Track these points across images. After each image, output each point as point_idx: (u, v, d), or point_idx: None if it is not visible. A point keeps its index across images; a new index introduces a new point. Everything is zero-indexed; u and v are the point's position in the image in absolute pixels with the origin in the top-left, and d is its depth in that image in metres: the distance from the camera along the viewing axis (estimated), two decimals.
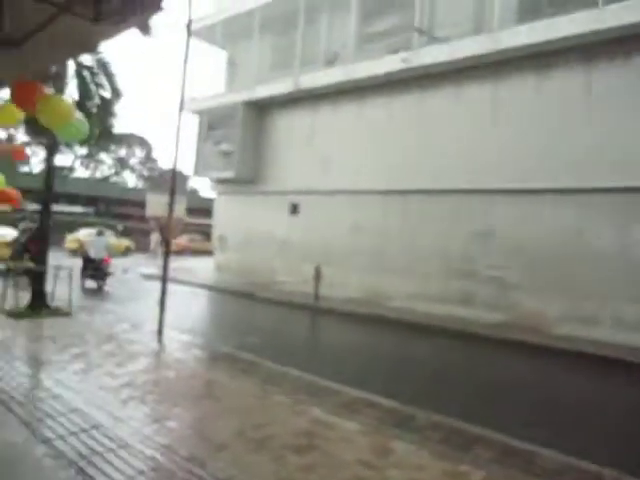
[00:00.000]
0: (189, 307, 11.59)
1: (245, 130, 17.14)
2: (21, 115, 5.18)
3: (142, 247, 28.01)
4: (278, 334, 9.21)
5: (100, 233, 14.33)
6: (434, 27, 12.87)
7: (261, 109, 17.40)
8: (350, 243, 14.21)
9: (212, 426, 3.97)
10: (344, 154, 14.64)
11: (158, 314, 7.33)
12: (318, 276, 12.80)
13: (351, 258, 14.09)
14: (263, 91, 16.57)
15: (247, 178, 17.31)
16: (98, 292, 12.36)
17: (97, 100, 8.72)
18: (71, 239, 24.36)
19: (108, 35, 3.58)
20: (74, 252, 21.76)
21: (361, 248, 13.91)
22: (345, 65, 14.29)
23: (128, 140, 46.25)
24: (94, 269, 12.76)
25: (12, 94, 4.60)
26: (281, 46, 17.00)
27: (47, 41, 3.86)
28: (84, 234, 23.40)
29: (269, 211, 16.89)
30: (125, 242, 28.06)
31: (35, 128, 8.44)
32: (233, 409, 4.40)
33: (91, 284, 12.78)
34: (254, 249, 17.24)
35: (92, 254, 12.82)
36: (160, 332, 7.20)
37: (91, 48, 5.49)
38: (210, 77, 18.94)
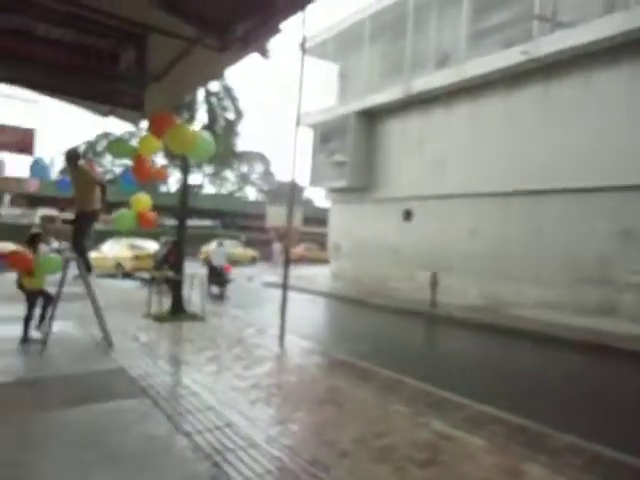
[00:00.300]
0: (307, 314, 11.99)
1: (357, 139, 17.38)
2: (160, 144, 5.80)
3: (263, 256, 29.80)
4: (394, 342, 9.10)
5: (220, 244, 15.60)
6: (556, 13, 11.84)
7: (372, 118, 17.51)
8: (467, 248, 13.58)
9: (334, 432, 4.04)
10: (458, 157, 14.09)
11: (279, 320, 7.69)
12: (434, 283, 12.42)
13: (468, 264, 13.45)
14: (373, 100, 16.68)
15: (360, 186, 17.50)
16: (221, 297, 13.44)
17: (222, 122, 9.51)
18: (205, 250, 26.90)
19: (233, 62, 3.89)
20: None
21: (479, 253, 13.21)
22: (457, 65, 13.80)
23: (249, 157, 49.59)
24: (217, 276, 13.98)
25: (150, 125, 5.15)
26: (390, 53, 16.98)
27: (181, 73, 4.32)
28: (209, 247, 25.77)
29: (382, 218, 16.87)
30: (251, 252, 30.15)
31: (171, 152, 9.48)
32: (353, 416, 4.43)
33: (215, 290, 13.95)
34: (368, 256, 17.32)
35: (214, 263, 14.11)
36: (282, 337, 7.54)
37: (218, 76, 6.02)
38: (322, 91, 19.55)
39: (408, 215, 15.93)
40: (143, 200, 6.92)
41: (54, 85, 3.47)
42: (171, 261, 11.63)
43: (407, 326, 11.08)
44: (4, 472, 3.11)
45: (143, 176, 6.18)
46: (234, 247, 29.97)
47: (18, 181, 12.55)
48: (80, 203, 6.42)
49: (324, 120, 18.74)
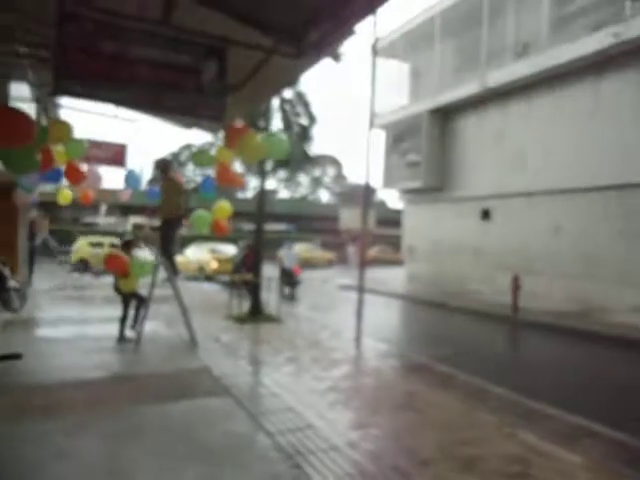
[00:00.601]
0: (383, 316, 11.86)
1: (431, 138, 16.97)
2: (232, 154, 5.98)
3: (338, 259, 30.01)
4: (474, 346, 8.73)
5: (290, 247, 15.91)
6: None
7: (446, 115, 17.01)
8: (553, 248, 12.72)
9: (414, 438, 3.95)
10: (541, 151, 13.26)
11: (355, 323, 7.68)
12: (516, 285, 11.76)
13: (554, 265, 12.60)
14: (447, 96, 16.20)
15: (435, 186, 17.05)
16: (291, 297, 13.71)
17: (296, 128, 9.71)
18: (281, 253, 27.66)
19: (307, 67, 3.95)
20: None
21: (566, 253, 12.32)
22: (538, 54, 13.00)
23: (321, 161, 50.18)
24: (288, 277, 14.30)
25: (225, 137, 5.31)
26: (464, 47, 16.39)
27: (258, 83, 4.46)
28: (297, 249, 26.53)
29: (459, 218, 16.31)
30: (328, 255, 30.45)
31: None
32: (435, 423, 4.30)
33: (287, 290, 14.27)
34: (444, 258, 16.81)
35: (285, 265, 14.46)
36: (358, 340, 7.52)
37: (293, 82, 6.16)
38: (393, 91, 19.31)
39: (486, 214, 15.26)
40: (225, 208, 7.21)
41: (146, 103, 3.74)
42: (248, 264, 12.05)
43: (488, 330, 10.60)
44: (103, 463, 3.37)
45: (225, 183, 6.46)
46: (311, 250, 30.45)
47: (113, 192, 13.62)
48: (166, 210, 6.86)
49: (396, 120, 18.48)
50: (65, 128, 5.30)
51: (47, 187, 10.35)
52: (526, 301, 11.74)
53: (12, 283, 8.79)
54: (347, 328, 8.41)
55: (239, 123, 5.23)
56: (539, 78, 13.25)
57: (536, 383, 6.36)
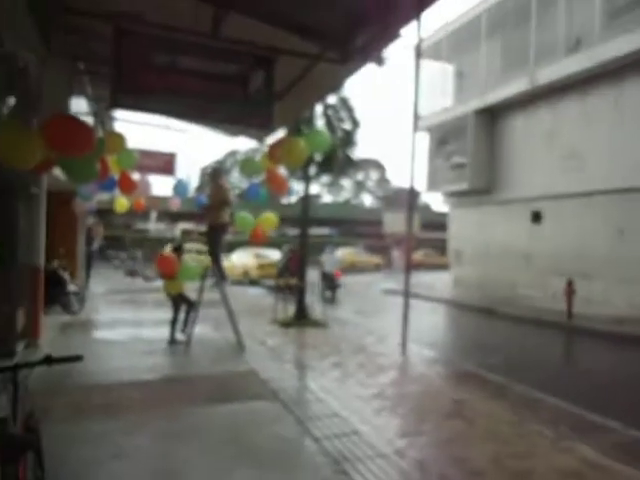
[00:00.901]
0: (428, 322, 11.64)
1: (477, 139, 16.57)
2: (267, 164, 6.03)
3: (382, 263, 29.71)
4: (526, 354, 8.40)
5: (331, 251, 15.90)
6: None
7: (493, 115, 16.57)
8: (611, 251, 12.09)
9: (463, 448, 3.84)
10: (596, 149, 12.66)
11: (401, 328, 7.58)
12: (570, 290, 11.24)
13: (613, 269, 11.96)
14: (495, 96, 15.77)
15: (482, 188, 16.62)
16: (332, 300, 13.71)
17: (340, 133, 9.74)
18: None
19: (352, 72, 3.96)
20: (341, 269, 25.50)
21: (627, 257, 11.67)
22: (592, 48, 12.44)
23: (364, 164, 50.00)
24: (328, 281, 14.32)
25: (269, 152, 5.32)
26: (511, 45, 15.90)
27: (303, 89, 4.51)
28: (343, 253, 26.91)
29: (507, 221, 15.81)
30: (375, 259, 30.06)
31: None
32: (485, 433, 4.18)
33: (327, 294, 14.28)
34: (492, 262, 16.33)
35: (326, 269, 14.51)
36: (404, 346, 7.42)
37: (338, 88, 6.18)
38: (436, 93, 19.01)
39: (537, 216, 14.70)
40: (271, 219, 7.33)
41: (196, 113, 3.88)
42: (292, 269, 12.16)
43: (541, 338, 10.18)
44: (156, 463, 3.48)
45: (276, 188, 6.56)
46: (358, 254, 30.32)
47: (162, 199, 14.12)
48: (213, 216, 7.05)
49: (440, 122, 18.17)
50: (119, 140, 5.57)
51: (103, 195, 10.89)
52: (581, 307, 11.21)
53: (71, 287, 9.33)
54: (392, 333, 8.32)
55: (280, 135, 5.27)
56: (595, 73, 12.67)
57: (593, 393, 6.04)
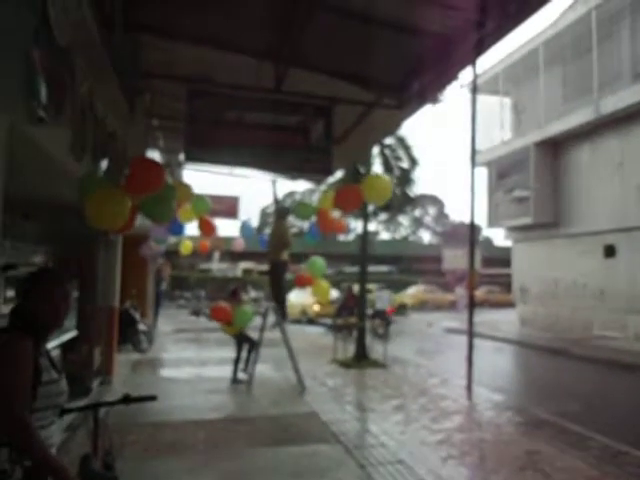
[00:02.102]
0: (494, 363, 11.07)
1: (539, 172, 16.05)
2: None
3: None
4: (607, 401, 7.73)
5: (382, 289, 15.67)
6: None
7: (555, 147, 16.05)
8: None
9: None
10: None
11: (465, 369, 7.28)
12: None
13: None
14: (556, 127, 15.32)
15: (547, 222, 15.93)
16: (384, 337, 13.36)
17: (397, 172, 9.81)
18: (407, 294, 27.49)
19: (409, 115, 4.05)
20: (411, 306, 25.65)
21: None
22: None
23: (422, 200, 49.50)
24: (381, 317, 14.04)
25: (336, 198, 5.34)
26: (572, 75, 15.52)
27: (360, 134, 4.64)
28: (413, 292, 27.31)
29: (577, 255, 14.94)
30: (450, 296, 28.10)
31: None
32: None
33: (380, 330, 13.92)
34: (562, 299, 15.40)
35: (378, 306, 14.26)
36: (469, 389, 7.10)
37: (394, 131, 6.29)
38: (494, 127, 18.76)
39: (611, 250, 13.80)
40: (318, 264, 7.50)
41: (261, 162, 4.10)
42: (349, 307, 12.10)
43: (623, 382, 9.36)
44: None
45: (327, 230, 6.75)
46: (431, 292, 29.49)
47: (225, 239, 14.69)
48: (274, 254, 7.24)
49: (498, 156, 17.82)
50: (186, 190, 6.05)
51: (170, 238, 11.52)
52: None
53: (142, 326, 9.80)
54: (456, 375, 7.99)
55: (348, 187, 5.31)
56: None
57: None
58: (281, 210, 7.28)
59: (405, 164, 9.88)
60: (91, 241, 6.59)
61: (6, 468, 1.79)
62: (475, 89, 7.91)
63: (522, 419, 5.88)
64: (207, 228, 7.72)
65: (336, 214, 6.78)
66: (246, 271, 27.63)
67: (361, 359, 9.27)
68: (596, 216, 14.27)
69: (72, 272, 5.03)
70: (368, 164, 8.95)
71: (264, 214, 46.22)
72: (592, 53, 14.04)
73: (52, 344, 4.65)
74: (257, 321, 8.09)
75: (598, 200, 14.24)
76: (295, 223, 41.12)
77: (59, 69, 1.76)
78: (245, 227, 9.16)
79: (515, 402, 6.82)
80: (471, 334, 7.42)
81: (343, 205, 4.88)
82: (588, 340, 13.31)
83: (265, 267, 7.74)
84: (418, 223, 54.53)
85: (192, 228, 8.42)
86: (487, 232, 39.94)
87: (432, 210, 54.59)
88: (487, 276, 28.02)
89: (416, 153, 10.30)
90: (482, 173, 18.86)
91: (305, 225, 9.73)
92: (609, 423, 6.07)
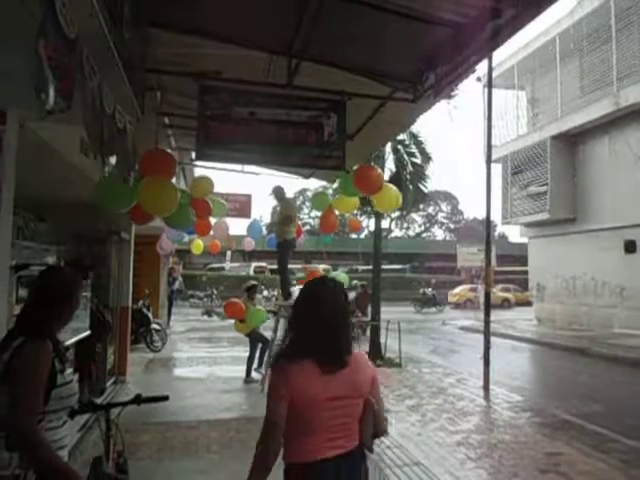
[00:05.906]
0: (511, 362, 10.87)
1: (556, 166, 15.74)
2: (356, 201, 6.09)
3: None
4: (631, 401, 7.50)
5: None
6: None
7: (572, 140, 15.73)
8: None
9: None
10: None
11: (482, 369, 7.15)
12: None
13: None
14: (574, 120, 15.01)
15: (564, 217, 15.64)
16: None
17: (410, 168, 9.66)
18: (453, 293, 27.55)
19: (424, 110, 3.93)
20: (456, 305, 26.13)
21: None
22: None
23: (435, 197, 49.07)
24: None
25: (356, 180, 5.27)
26: (589, 67, 15.18)
27: (374, 129, 4.52)
28: (461, 289, 26.83)
29: (596, 251, 14.62)
30: (502, 294, 26.52)
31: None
32: None
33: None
34: (580, 297, 15.12)
35: None
36: (486, 389, 6.97)
37: (409, 126, 6.16)
38: (509, 121, 18.48)
39: (632, 246, 13.46)
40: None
41: (273, 159, 4.03)
42: (361, 305, 12.00)
43: None
44: None
45: (327, 229, 6.77)
46: (475, 290, 28.91)
47: (237, 238, 14.66)
48: (279, 233, 7.16)
49: (514, 151, 17.54)
50: (208, 184, 6.03)
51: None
52: None
53: (155, 325, 9.82)
54: (472, 375, 7.86)
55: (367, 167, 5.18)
56: None
57: None
58: (277, 191, 7.22)
59: (418, 160, 9.73)
60: (103, 241, 6.59)
61: (19, 473, 1.77)
62: (490, 82, 7.75)
63: (541, 420, 5.74)
64: (202, 228, 7.46)
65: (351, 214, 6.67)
66: (259, 270, 27.67)
67: (376, 359, 9.16)
68: (616, 211, 13.94)
69: (84, 272, 5.03)
70: (381, 160, 8.85)
71: (275, 212, 46.29)
72: (611, 43, 13.72)
73: (65, 344, 4.63)
74: (270, 321, 8.03)
75: (617, 194, 13.91)
76: (308, 220, 41.17)
77: (68, 63, 1.71)
78: (253, 227, 9.10)
79: (534, 402, 6.67)
80: (487, 333, 7.29)
81: (364, 186, 4.68)
82: (607, 338, 13.01)
83: (276, 267, 7.64)
84: (431, 220, 54.08)
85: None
86: (502, 228, 39.47)
87: (445, 207, 54.07)
88: (502, 273, 27.30)
89: (431, 149, 10.14)
90: (496, 168, 18.63)
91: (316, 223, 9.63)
92: (632, 424, 5.88)
